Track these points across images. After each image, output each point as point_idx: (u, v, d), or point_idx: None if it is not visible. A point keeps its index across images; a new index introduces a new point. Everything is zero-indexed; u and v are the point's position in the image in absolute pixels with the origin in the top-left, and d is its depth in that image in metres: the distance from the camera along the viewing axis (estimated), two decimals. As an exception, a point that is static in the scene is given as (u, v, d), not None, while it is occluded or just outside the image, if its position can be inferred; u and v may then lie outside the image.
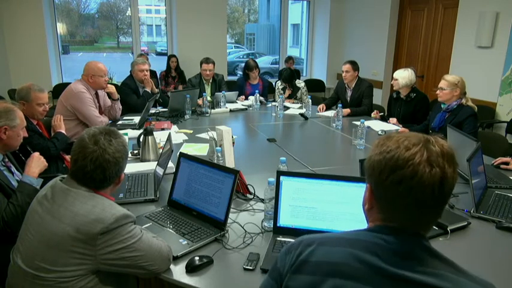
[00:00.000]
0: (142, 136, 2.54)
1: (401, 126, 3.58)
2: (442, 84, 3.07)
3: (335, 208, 1.55)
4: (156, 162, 2.30)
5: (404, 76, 3.61)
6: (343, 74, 4.26)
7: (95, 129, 1.38)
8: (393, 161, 0.80)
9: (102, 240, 1.22)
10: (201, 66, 4.61)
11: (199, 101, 4.25)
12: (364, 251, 0.82)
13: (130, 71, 4.09)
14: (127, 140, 2.91)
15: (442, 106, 3.15)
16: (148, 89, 3.99)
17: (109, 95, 3.60)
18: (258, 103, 4.43)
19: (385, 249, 0.82)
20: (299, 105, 4.66)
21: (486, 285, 0.79)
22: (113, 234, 1.23)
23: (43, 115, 2.69)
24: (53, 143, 2.69)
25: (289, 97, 4.90)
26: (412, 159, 0.78)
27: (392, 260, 0.80)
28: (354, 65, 4.21)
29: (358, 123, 3.03)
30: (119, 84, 4.59)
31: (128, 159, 2.52)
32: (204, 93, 4.18)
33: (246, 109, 4.38)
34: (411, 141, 0.81)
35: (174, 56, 6.27)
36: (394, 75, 3.70)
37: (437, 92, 3.11)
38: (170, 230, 1.62)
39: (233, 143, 2.46)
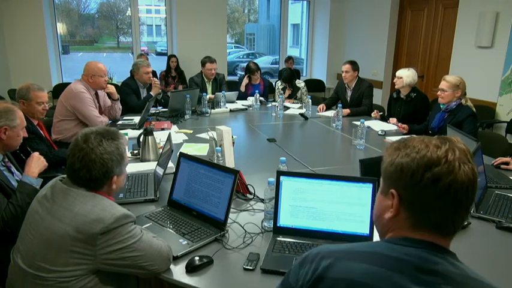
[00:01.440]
0: (142, 136, 2.54)
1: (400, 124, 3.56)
2: (443, 85, 3.03)
3: (335, 208, 1.55)
4: (156, 162, 2.30)
5: (408, 75, 3.60)
6: (343, 74, 4.26)
7: (91, 128, 1.37)
8: (426, 159, 0.77)
9: (102, 240, 1.22)
10: (203, 66, 4.61)
11: (212, 96, 4.44)
12: (385, 267, 0.77)
13: (131, 72, 4.09)
14: (126, 142, 2.92)
15: (441, 106, 3.15)
16: (153, 94, 3.98)
17: (109, 95, 3.60)
18: (258, 103, 4.44)
19: (407, 264, 0.76)
20: (299, 105, 4.66)
21: None
22: (113, 234, 1.23)
23: (43, 114, 2.69)
24: (57, 155, 2.68)
25: (289, 97, 4.90)
26: (446, 157, 0.77)
27: (414, 275, 0.74)
28: (354, 65, 4.21)
29: (358, 123, 3.03)
30: (119, 84, 4.59)
31: (128, 159, 2.55)
32: (204, 93, 4.18)
33: (246, 109, 4.38)
34: (437, 141, 0.80)
35: (174, 56, 6.27)
36: (397, 74, 3.68)
37: (439, 93, 3.09)
38: (170, 230, 1.62)
39: (233, 143, 2.46)
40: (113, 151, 1.33)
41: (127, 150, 1.46)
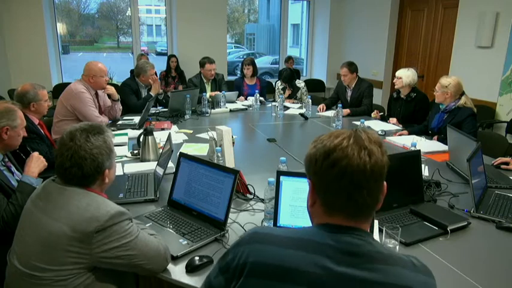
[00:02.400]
0: (142, 136, 2.54)
1: (401, 126, 3.58)
2: (436, 86, 3.14)
3: (335, 208, 1.55)
4: (156, 162, 2.30)
5: (408, 75, 3.62)
6: (342, 78, 4.27)
7: (75, 126, 1.37)
8: (326, 148, 0.86)
9: (98, 238, 1.21)
10: (203, 67, 4.61)
11: (212, 94, 4.42)
12: (314, 252, 0.84)
13: (131, 72, 4.08)
14: (125, 140, 2.93)
15: (441, 106, 3.17)
16: (153, 93, 3.97)
17: (109, 95, 3.60)
18: (258, 103, 4.44)
19: (331, 248, 0.84)
20: (299, 105, 4.66)
21: (427, 273, 0.86)
22: (108, 232, 1.23)
23: (47, 109, 2.77)
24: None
25: (289, 97, 4.90)
26: (341, 144, 0.85)
27: (342, 259, 0.82)
28: (351, 67, 4.20)
29: (358, 123, 3.03)
30: (119, 84, 4.59)
31: (128, 159, 2.55)
32: (204, 93, 4.18)
33: (246, 109, 4.38)
34: (341, 133, 0.89)
35: (174, 56, 6.27)
36: (397, 74, 3.70)
37: (434, 93, 3.17)
38: (170, 230, 1.62)
39: (233, 143, 2.46)
40: (101, 145, 1.34)
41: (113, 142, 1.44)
